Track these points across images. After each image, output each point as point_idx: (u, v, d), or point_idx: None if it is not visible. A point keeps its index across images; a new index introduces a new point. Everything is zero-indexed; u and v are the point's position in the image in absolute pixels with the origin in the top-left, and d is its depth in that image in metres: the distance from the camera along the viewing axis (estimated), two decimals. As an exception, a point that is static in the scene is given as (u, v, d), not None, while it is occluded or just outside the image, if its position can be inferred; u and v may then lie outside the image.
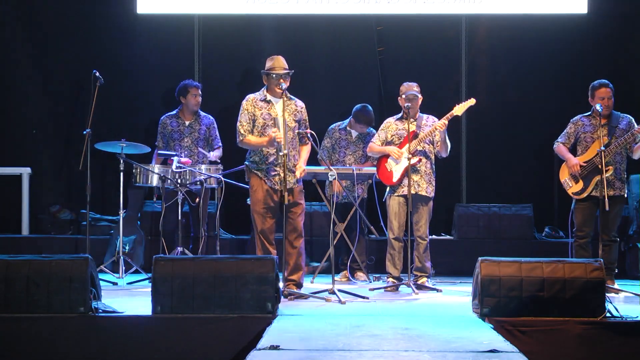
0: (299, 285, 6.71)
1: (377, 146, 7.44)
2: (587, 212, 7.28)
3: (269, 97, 6.75)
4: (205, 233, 7.72)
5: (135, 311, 5.63)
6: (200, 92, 8.07)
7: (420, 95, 7.30)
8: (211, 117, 8.15)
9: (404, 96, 7.25)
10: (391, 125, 7.43)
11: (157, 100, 9.49)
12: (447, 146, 7.29)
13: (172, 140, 7.99)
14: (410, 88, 7.30)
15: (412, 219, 7.25)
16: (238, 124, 6.73)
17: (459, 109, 7.19)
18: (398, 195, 7.26)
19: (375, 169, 7.67)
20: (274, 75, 6.65)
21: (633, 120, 7.29)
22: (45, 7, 9.61)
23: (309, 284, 7.50)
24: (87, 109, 7.65)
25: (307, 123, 6.84)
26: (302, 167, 6.73)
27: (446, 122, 7.12)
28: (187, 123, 8.04)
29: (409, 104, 7.19)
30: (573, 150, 7.41)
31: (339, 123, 8.25)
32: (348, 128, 8.20)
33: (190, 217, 7.91)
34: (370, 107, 8.12)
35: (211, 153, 7.93)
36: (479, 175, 9.65)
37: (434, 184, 7.34)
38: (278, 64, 6.71)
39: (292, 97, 6.79)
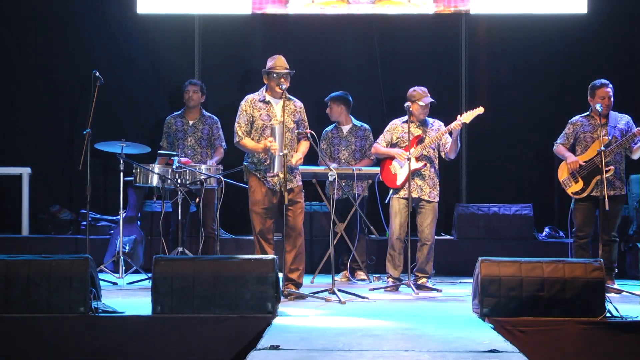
0: (298, 285, 6.71)
1: (383, 148, 7.43)
2: (587, 212, 7.27)
3: (267, 97, 6.73)
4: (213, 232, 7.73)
5: (135, 311, 5.62)
6: (198, 89, 8.07)
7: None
8: (215, 117, 8.18)
9: (421, 103, 7.22)
10: (397, 127, 7.41)
11: (156, 100, 9.48)
12: (457, 147, 7.26)
13: (176, 139, 8.03)
14: (425, 95, 7.26)
15: (416, 221, 7.26)
16: (236, 124, 6.71)
17: (467, 117, 7.15)
18: (401, 198, 7.26)
19: (375, 168, 7.68)
20: (274, 75, 6.64)
21: (632, 120, 7.29)
22: (45, 7, 9.60)
23: (309, 284, 7.50)
24: (87, 108, 7.66)
25: (306, 123, 6.82)
26: (299, 156, 6.64)
27: (460, 125, 7.13)
28: (190, 123, 8.05)
29: (409, 104, 7.19)
30: (572, 151, 7.39)
31: (330, 126, 8.31)
32: (338, 126, 8.25)
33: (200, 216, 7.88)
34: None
35: (211, 160, 7.90)
36: (479, 176, 9.65)
37: (438, 189, 7.34)
38: (279, 63, 6.69)
39: (290, 97, 6.77)
